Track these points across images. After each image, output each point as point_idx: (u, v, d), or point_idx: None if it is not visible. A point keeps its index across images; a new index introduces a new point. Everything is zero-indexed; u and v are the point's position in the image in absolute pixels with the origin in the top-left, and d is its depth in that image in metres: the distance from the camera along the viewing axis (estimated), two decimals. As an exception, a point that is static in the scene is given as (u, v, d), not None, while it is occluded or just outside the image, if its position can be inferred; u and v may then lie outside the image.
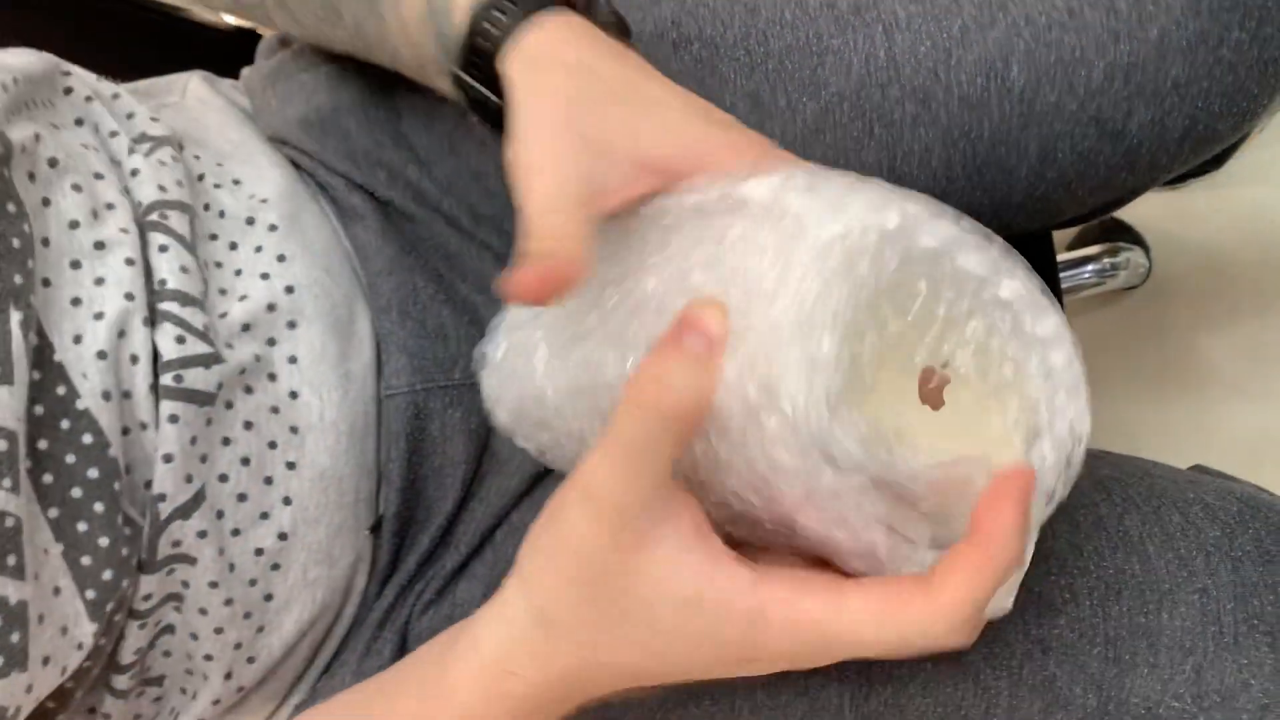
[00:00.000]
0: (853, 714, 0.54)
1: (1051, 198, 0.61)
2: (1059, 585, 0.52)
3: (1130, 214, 1.13)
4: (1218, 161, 0.67)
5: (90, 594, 0.45)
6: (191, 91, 0.65)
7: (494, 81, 0.48)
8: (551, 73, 0.46)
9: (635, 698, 0.51)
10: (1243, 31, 0.54)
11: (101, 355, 0.46)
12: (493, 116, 0.49)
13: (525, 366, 0.47)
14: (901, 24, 0.57)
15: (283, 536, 0.54)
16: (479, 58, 0.48)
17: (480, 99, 0.49)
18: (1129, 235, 1.11)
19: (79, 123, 0.54)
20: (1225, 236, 1.11)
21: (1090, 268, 1.08)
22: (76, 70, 0.57)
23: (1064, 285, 1.09)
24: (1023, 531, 0.35)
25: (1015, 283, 0.41)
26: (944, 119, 0.58)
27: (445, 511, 0.60)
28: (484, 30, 0.47)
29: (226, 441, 0.51)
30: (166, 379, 0.48)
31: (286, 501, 0.54)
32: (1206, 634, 0.51)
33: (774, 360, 0.36)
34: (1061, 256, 1.09)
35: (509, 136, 0.45)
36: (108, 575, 0.45)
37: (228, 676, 0.54)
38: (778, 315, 0.36)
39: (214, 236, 0.55)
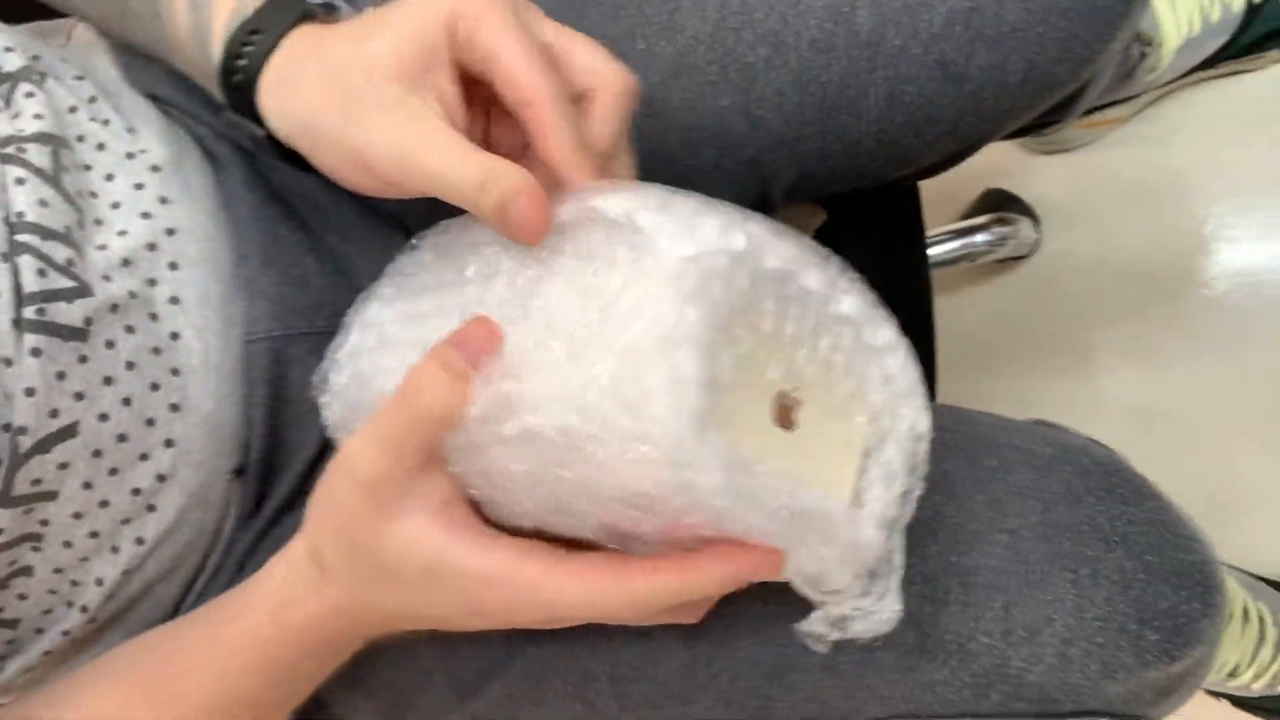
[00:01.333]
0: (685, 654, 0.56)
1: (901, 142, 0.62)
2: (878, 527, 0.54)
3: (1020, 186, 1.16)
4: (1065, 109, 0.69)
5: None
6: (77, 35, 0.66)
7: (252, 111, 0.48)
8: (299, 79, 0.46)
9: (409, 638, 0.54)
10: None
11: None
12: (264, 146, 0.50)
13: (369, 395, 0.48)
14: None
15: (161, 478, 0.54)
16: (234, 90, 0.49)
17: (249, 132, 0.49)
18: (1019, 206, 1.14)
19: None
20: (1112, 209, 1.13)
21: (980, 236, 1.10)
22: None
23: (957, 253, 1.11)
24: (719, 586, 0.40)
25: (853, 297, 0.44)
26: (794, 62, 0.59)
27: (305, 459, 0.61)
28: (235, 68, 0.48)
29: (108, 381, 0.51)
30: (29, 312, 0.48)
31: (168, 444, 0.54)
32: (1014, 572, 0.53)
33: (637, 381, 0.37)
34: (952, 225, 1.11)
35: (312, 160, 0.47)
36: None
37: (84, 610, 0.55)
38: (636, 337, 0.37)
39: (88, 167, 0.55)
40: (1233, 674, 0.93)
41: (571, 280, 0.41)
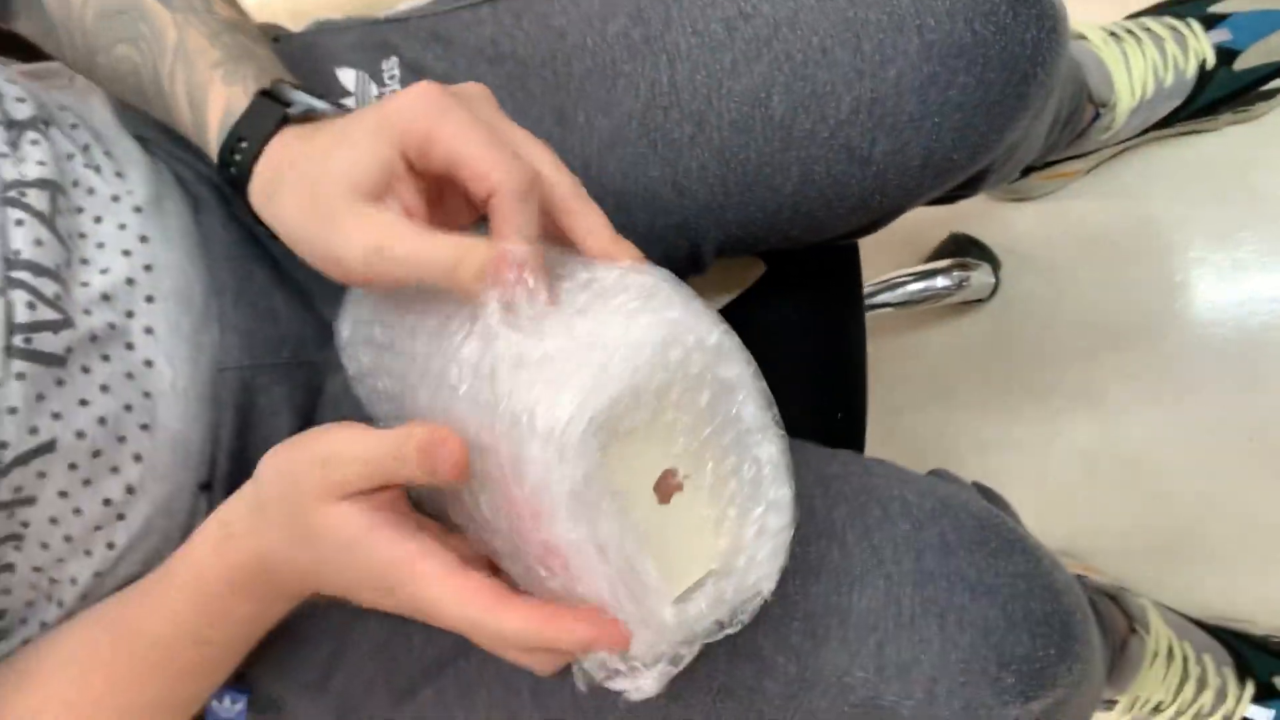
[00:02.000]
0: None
1: (816, 214, 0.68)
2: (769, 568, 0.60)
3: (983, 231, 1.21)
4: (976, 184, 0.74)
5: None
6: (79, 79, 0.71)
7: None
8: (279, 194, 0.52)
9: (356, 649, 0.61)
10: (969, 76, 0.62)
11: None
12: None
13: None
14: (683, 54, 0.65)
15: (130, 490, 0.60)
16: (235, 186, 0.56)
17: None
18: (980, 251, 1.19)
19: None
20: (1071, 257, 1.18)
21: (941, 280, 1.15)
22: None
23: (919, 295, 1.16)
24: (576, 645, 0.45)
25: (771, 447, 0.50)
26: (717, 140, 0.65)
27: None
28: (230, 164, 0.55)
29: (84, 403, 0.57)
30: (17, 340, 0.54)
31: (137, 459, 0.60)
32: (888, 614, 0.59)
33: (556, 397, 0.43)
34: (914, 269, 1.17)
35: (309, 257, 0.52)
36: None
37: (60, 605, 0.61)
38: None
39: (80, 210, 0.60)
40: (1157, 710, 0.98)
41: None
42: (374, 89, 0.69)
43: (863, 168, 0.65)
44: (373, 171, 0.48)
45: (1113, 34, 1.03)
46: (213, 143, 0.57)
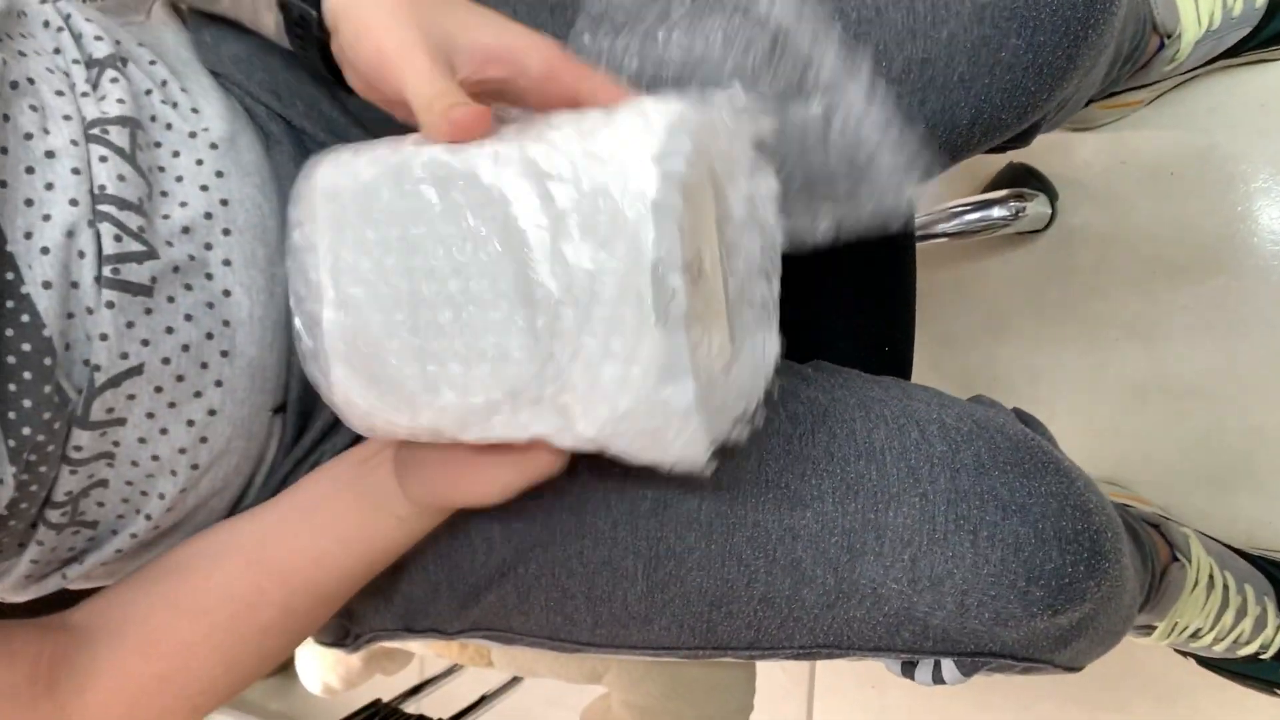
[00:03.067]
0: (645, 582, 0.67)
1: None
2: (810, 484, 0.64)
3: (1042, 161, 1.22)
4: (1026, 137, 0.76)
5: (11, 442, 0.56)
6: (155, 12, 0.75)
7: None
8: None
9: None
10: (1019, 39, 0.63)
11: (45, 250, 0.56)
12: (312, 39, 0.62)
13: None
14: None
15: (212, 413, 0.64)
16: None
17: (299, 14, 0.61)
18: (1038, 182, 1.20)
19: (42, 51, 0.63)
20: (1130, 188, 1.19)
21: (997, 210, 1.17)
22: None
23: (975, 225, 1.18)
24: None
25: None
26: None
27: None
28: None
29: (170, 330, 0.61)
30: (106, 270, 0.58)
31: (218, 384, 0.64)
32: (922, 530, 0.62)
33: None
34: (970, 199, 1.18)
35: (356, 37, 0.58)
36: (26, 430, 0.56)
37: (148, 518, 0.66)
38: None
39: (158, 144, 0.64)
40: (1195, 636, 1.01)
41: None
42: None
43: (913, 125, 0.67)
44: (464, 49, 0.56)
45: None
46: None
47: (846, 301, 0.86)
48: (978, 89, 0.65)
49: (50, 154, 0.58)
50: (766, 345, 0.56)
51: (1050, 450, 0.66)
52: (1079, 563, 0.62)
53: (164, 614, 0.63)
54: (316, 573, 0.64)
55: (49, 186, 0.57)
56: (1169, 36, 1.02)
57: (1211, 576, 1.00)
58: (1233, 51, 1.09)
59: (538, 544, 0.69)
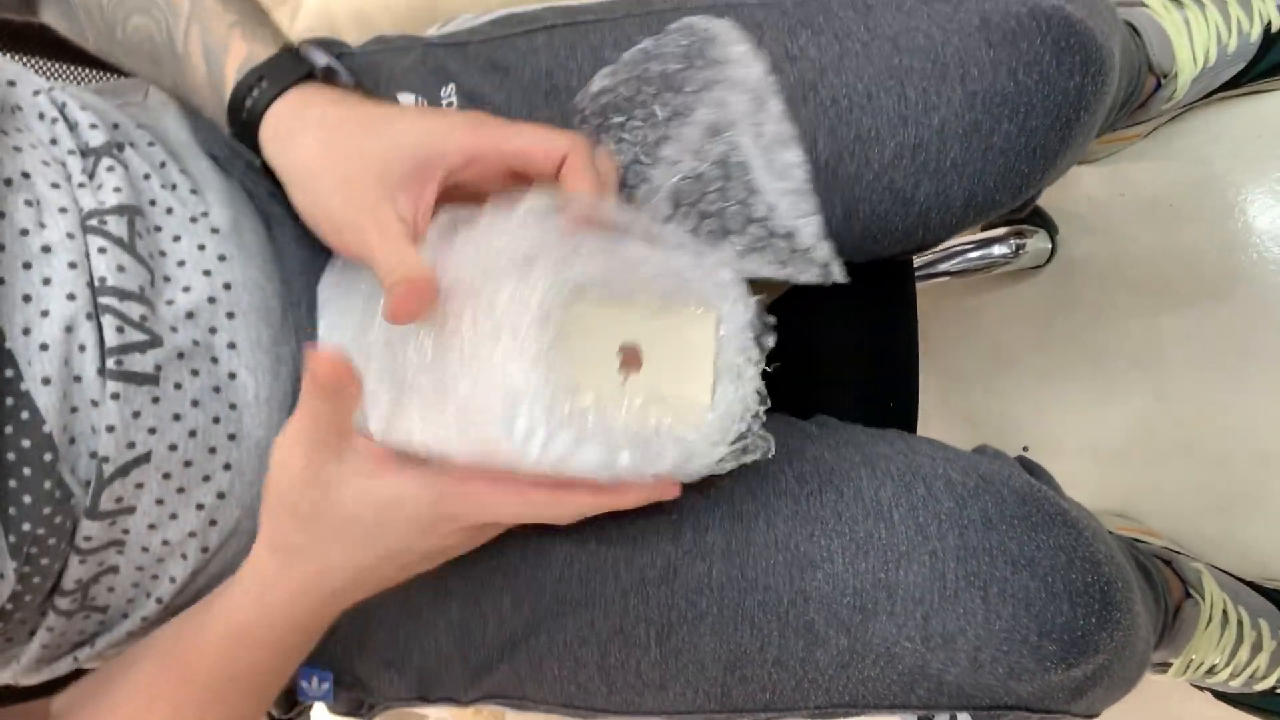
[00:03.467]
0: (658, 649, 0.67)
1: (863, 246, 0.71)
2: (819, 545, 0.65)
3: (1039, 197, 1.22)
4: (1021, 209, 0.76)
5: (11, 538, 0.56)
6: (153, 94, 0.76)
7: (254, 143, 0.63)
8: (301, 135, 0.60)
9: (432, 627, 0.67)
10: (1011, 124, 0.64)
11: (44, 346, 0.56)
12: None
13: None
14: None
15: (221, 496, 0.65)
16: (241, 123, 0.63)
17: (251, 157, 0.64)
18: (1037, 218, 1.21)
19: (38, 144, 0.64)
20: (1129, 220, 1.19)
21: (998, 248, 1.18)
22: (30, 85, 0.67)
23: (976, 263, 1.19)
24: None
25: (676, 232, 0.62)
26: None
27: None
28: (242, 106, 0.62)
29: (177, 417, 0.62)
30: (110, 363, 0.58)
31: (227, 467, 0.65)
32: (933, 588, 0.63)
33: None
34: (972, 237, 1.19)
35: (309, 205, 0.61)
36: (26, 526, 0.56)
37: (159, 601, 0.66)
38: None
39: (158, 229, 0.64)
40: (1210, 672, 1.01)
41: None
42: None
43: (906, 207, 0.68)
44: (403, 165, 0.58)
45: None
46: (228, 84, 0.63)
47: (848, 355, 0.87)
48: (971, 172, 0.66)
49: (47, 249, 0.58)
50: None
51: (1057, 501, 0.67)
52: (1090, 615, 0.62)
53: (98, 708, 0.64)
54: (218, 662, 0.62)
55: (46, 282, 0.58)
56: (1165, 76, 1.02)
57: (1225, 612, 1.00)
58: (1230, 84, 1.09)
59: (549, 615, 0.69)
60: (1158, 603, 0.92)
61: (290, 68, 0.63)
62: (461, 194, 0.60)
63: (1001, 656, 0.62)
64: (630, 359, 0.57)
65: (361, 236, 0.57)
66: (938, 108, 0.64)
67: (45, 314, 0.57)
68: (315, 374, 0.51)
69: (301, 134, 0.61)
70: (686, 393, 0.58)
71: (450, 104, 0.73)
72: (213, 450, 0.64)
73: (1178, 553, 1.07)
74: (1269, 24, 1.03)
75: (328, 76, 0.66)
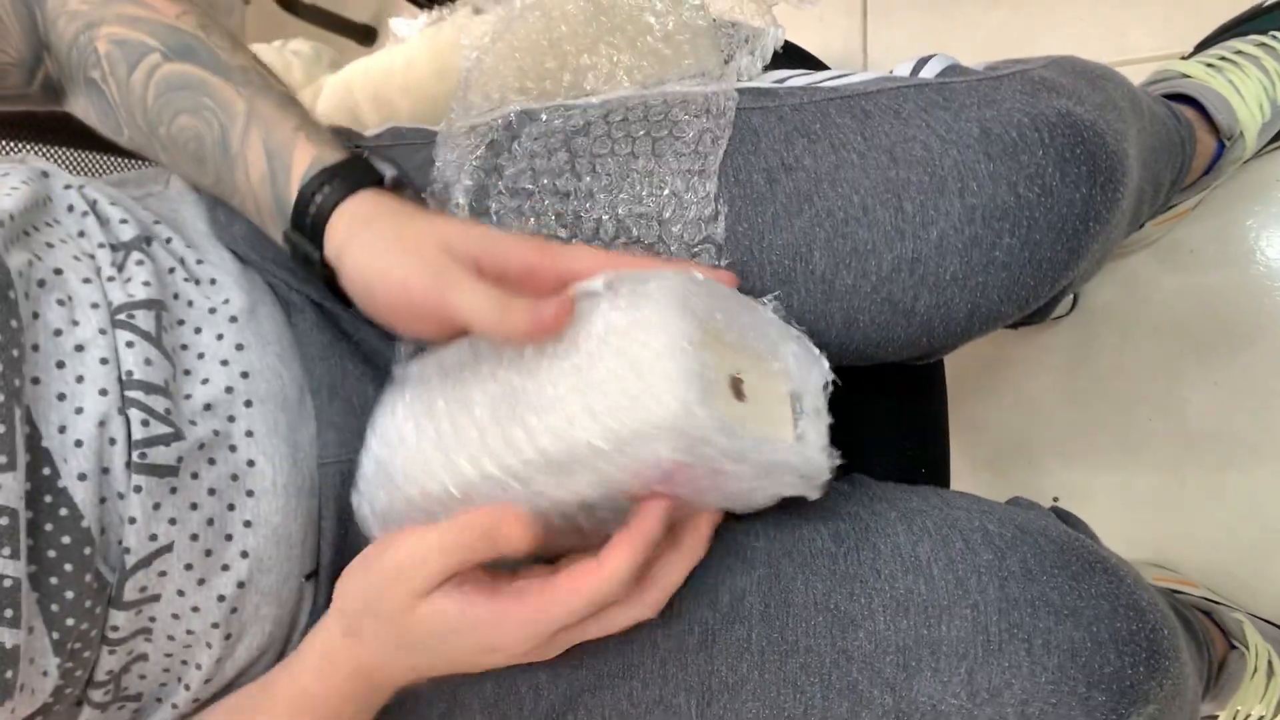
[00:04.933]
0: (699, 718, 0.67)
1: (865, 353, 0.71)
2: (859, 603, 0.65)
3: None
4: (1042, 313, 0.76)
5: (55, 634, 0.57)
6: (174, 183, 0.78)
7: (317, 238, 0.65)
8: (375, 223, 0.63)
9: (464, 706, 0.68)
10: (1013, 238, 0.63)
11: (79, 443, 0.57)
12: (315, 273, 0.66)
13: (398, 496, 0.63)
14: (725, 206, 0.68)
15: (240, 585, 0.65)
16: (306, 220, 0.65)
17: (304, 252, 0.65)
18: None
19: (68, 238, 0.65)
20: (1149, 266, 1.21)
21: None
22: (61, 180, 0.68)
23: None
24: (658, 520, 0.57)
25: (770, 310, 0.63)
26: (759, 289, 0.68)
27: None
28: (311, 201, 0.64)
29: (194, 506, 0.62)
30: (134, 456, 0.59)
31: (244, 555, 0.65)
32: (976, 642, 0.62)
33: (641, 381, 0.53)
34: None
35: (368, 287, 0.62)
36: (70, 621, 0.57)
37: (188, 688, 0.67)
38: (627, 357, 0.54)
39: (181, 322, 0.66)
40: (1257, 723, 1.01)
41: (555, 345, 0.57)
42: None
43: (907, 319, 0.67)
44: (466, 257, 0.60)
45: (1209, 65, 1.04)
46: (294, 183, 0.65)
47: (881, 420, 0.87)
48: (972, 286, 0.65)
49: (80, 347, 0.60)
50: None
51: (1095, 549, 0.67)
52: (1139, 664, 0.62)
53: None
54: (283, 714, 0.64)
55: (79, 379, 0.59)
56: (1230, 138, 1.02)
57: (1270, 663, 1.00)
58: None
59: (586, 689, 0.69)
60: (1200, 653, 0.92)
61: (362, 171, 0.66)
62: None
63: (1050, 710, 0.62)
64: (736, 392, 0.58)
65: (444, 294, 0.58)
66: (935, 221, 0.64)
67: (80, 411, 0.58)
68: (498, 530, 0.54)
69: (370, 230, 0.63)
70: (773, 430, 0.60)
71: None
72: (229, 537, 0.64)
73: (1217, 603, 1.07)
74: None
75: (394, 186, 0.68)
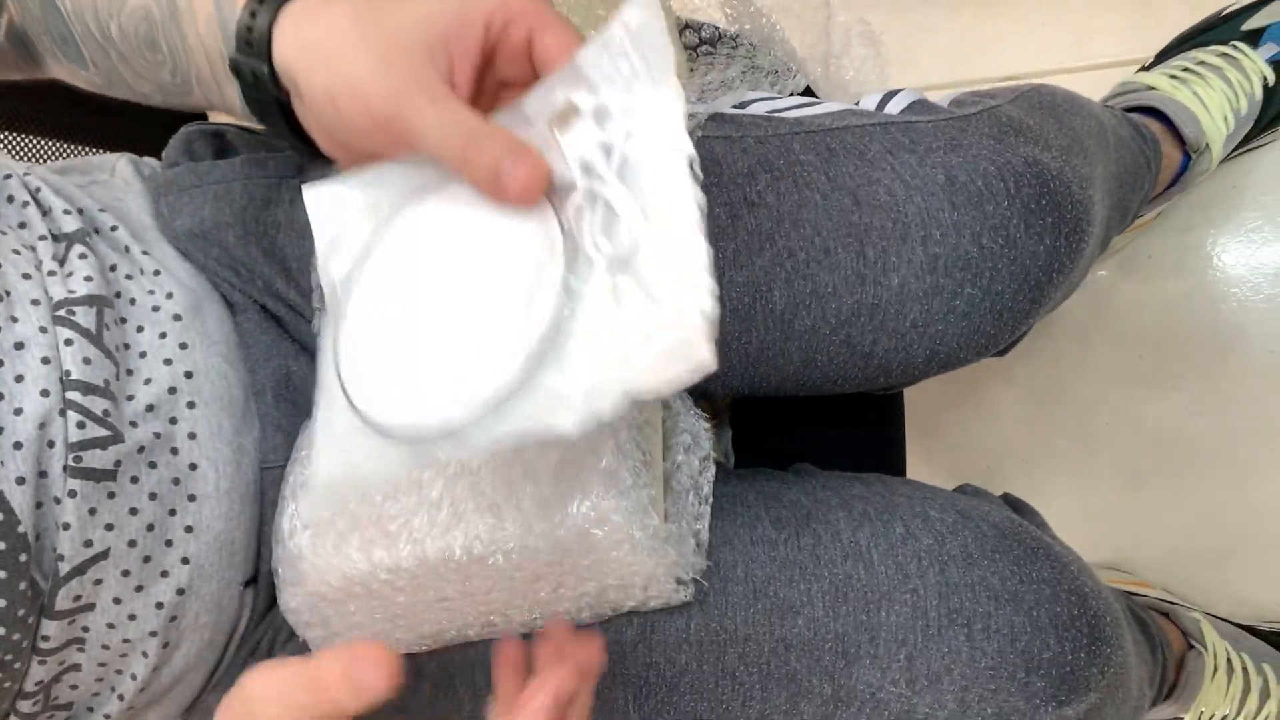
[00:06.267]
0: (636, 713, 0.66)
1: (822, 388, 0.71)
2: (799, 590, 0.65)
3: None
4: (1003, 351, 0.76)
5: None
6: (119, 172, 0.76)
7: (264, 51, 0.54)
8: (327, 12, 0.53)
9: None
10: (975, 288, 0.63)
11: (18, 445, 0.55)
12: (270, 100, 0.56)
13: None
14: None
15: (180, 592, 0.64)
16: (251, 33, 0.54)
17: (252, 71, 0.55)
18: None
19: (8, 230, 0.63)
20: (1108, 271, 1.21)
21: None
22: (1, 169, 0.66)
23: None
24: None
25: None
26: (719, 326, 0.67)
27: None
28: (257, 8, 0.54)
29: (134, 511, 0.60)
30: (70, 459, 0.57)
31: (185, 561, 0.63)
32: (915, 628, 0.62)
33: None
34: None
35: (330, 100, 0.52)
36: (2, 631, 0.55)
37: (121, 698, 0.65)
38: None
39: (123, 320, 0.64)
40: (1221, 723, 1.01)
41: None
42: None
43: (865, 360, 0.67)
44: (448, 24, 0.51)
45: (1174, 76, 1.05)
46: (238, 5, 0.55)
47: (836, 427, 0.87)
48: (932, 333, 0.65)
49: (19, 345, 0.58)
50: None
51: (1040, 536, 0.67)
52: (1079, 650, 0.62)
53: None
54: None
55: (19, 379, 0.57)
56: (1196, 150, 1.03)
57: (1229, 660, 1.00)
58: (1242, 142, 1.11)
59: None
60: (1154, 654, 0.92)
61: None
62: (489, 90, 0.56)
63: (989, 695, 0.62)
64: None
65: (403, 109, 0.49)
66: (897, 269, 0.63)
67: (19, 412, 0.56)
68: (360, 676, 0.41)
69: (327, 12, 0.52)
70: None
71: None
72: (169, 543, 0.62)
73: (1173, 604, 1.07)
74: (1265, 78, 1.05)
75: None
